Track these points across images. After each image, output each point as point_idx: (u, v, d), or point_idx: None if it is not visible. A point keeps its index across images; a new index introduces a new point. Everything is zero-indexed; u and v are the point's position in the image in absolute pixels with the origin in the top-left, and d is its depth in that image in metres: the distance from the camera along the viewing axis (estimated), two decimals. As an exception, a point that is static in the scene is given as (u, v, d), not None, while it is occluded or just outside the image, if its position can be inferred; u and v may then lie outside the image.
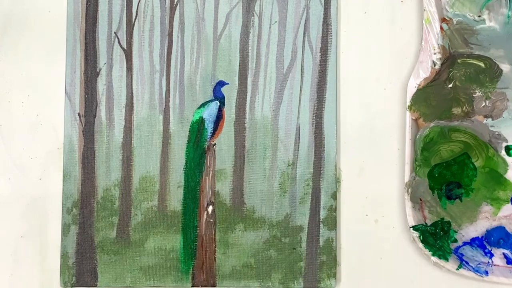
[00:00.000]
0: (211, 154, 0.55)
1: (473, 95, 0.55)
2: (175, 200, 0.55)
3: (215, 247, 0.55)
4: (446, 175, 0.54)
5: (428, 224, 0.54)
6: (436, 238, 0.54)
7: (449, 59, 0.55)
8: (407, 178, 0.54)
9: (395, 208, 0.56)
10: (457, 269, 0.53)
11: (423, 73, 0.55)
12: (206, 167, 0.55)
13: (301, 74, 0.56)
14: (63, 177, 0.55)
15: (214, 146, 0.55)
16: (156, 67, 0.56)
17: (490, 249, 0.54)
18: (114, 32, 0.56)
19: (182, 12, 0.56)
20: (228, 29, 0.56)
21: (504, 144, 0.55)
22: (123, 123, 0.56)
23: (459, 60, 0.55)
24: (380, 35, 0.57)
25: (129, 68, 0.56)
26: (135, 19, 0.56)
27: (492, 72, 0.55)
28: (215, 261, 0.55)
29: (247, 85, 0.56)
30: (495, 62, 0.55)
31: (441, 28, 0.55)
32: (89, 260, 0.54)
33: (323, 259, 0.54)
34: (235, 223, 0.55)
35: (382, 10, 0.57)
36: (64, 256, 0.54)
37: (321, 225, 0.55)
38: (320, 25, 0.56)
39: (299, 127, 0.56)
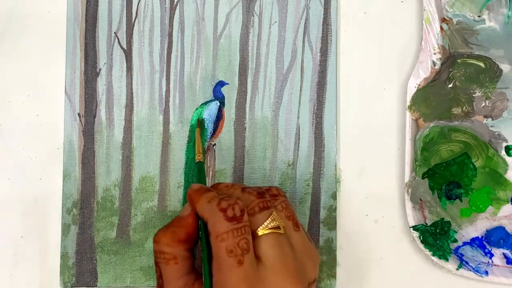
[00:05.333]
0: (211, 154, 0.55)
1: (473, 95, 0.55)
2: (175, 200, 0.55)
3: (215, 247, 0.55)
4: (446, 175, 0.54)
5: (428, 224, 0.54)
6: (436, 238, 0.54)
7: (449, 59, 0.55)
8: (407, 178, 0.54)
9: (395, 208, 0.56)
10: (457, 269, 0.53)
11: (423, 73, 0.55)
12: (206, 167, 0.55)
13: (301, 74, 0.56)
14: (63, 177, 0.55)
15: (214, 146, 0.55)
16: (156, 67, 0.56)
17: (490, 249, 0.54)
18: (114, 32, 0.56)
19: (182, 12, 0.56)
20: (228, 29, 0.56)
21: (504, 144, 0.55)
22: (123, 123, 0.56)
23: (459, 60, 0.55)
24: (380, 35, 0.57)
25: (129, 68, 0.56)
26: (135, 19, 0.56)
27: (492, 72, 0.55)
28: (215, 261, 0.55)
29: (247, 85, 0.56)
30: (495, 62, 0.55)
31: (441, 28, 0.55)
32: (89, 260, 0.54)
33: (323, 259, 0.54)
34: (235, 223, 0.55)
35: (382, 10, 0.57)
36: (64, 256, 0.54)
37: (321, 225, 0.55)
38: (320, 25, 0.56)
39: (299, 127, 0.56)
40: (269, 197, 0.45)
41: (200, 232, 0.44)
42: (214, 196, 0.44)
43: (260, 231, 0.43)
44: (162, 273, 0.44)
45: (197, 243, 0.46)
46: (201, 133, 0.55)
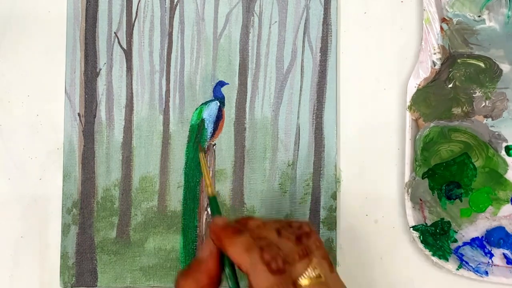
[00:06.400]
0: (211, 154, 0.55)
1: (473, 95, 0.55)
2: (175, 200, 0.55)
3: (215, 247, 0.55)
4: (446, 175, 0.54)
5: (428, 224, 0.54)
6: (436, 238, 0.54)
7: (449, 59, 0.55)
8: (407, 178, 0.54)
9: (395, 208, 0.56)
10: (457, 269, 0.53)
11: (423, 73, 0.55)
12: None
13: (301, 74, 0.56)
14: (63, 177, 0.55)
15: (214, 146, 0.55)
16: (156, 67, 0.56)
17: (490, 249, 0.54)
18: (114, 32, 0.56)
19: (182, 12, 0.56)
20: (228, 29, 0.56)
21: (504, 144, 0.55)
22: (123, 123, 0.56)
23: (459, 60, 0.55)
24: (380, 35, 0.57)
25: (129, 68, 0.56)
26: (135, 19, 0.56)
27: (492, 72, 0.55)
28: (215, 261, 0.55)
29: (247, 85, 0.56)
30: (495, 62, 0.55)
31: (441, 28, 0.55)
32: (89, 260, 0.54)
33: (323, 259, 0.54)
34: (235, 223, 0.55)
35: (382, 10, 0.57)
36: (64, 256, 0.54)
37: (321, 225, 0.55)
38: (320, 25, 0.56)
39: (299, 127, 0.56)
40: (305, 239, 0.42)
41: (225, 270, 0.43)
42: (251, 244, 0.41)
43: (303, 281, 0.40)
44: None
45: (220, 284, 0.43)
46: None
